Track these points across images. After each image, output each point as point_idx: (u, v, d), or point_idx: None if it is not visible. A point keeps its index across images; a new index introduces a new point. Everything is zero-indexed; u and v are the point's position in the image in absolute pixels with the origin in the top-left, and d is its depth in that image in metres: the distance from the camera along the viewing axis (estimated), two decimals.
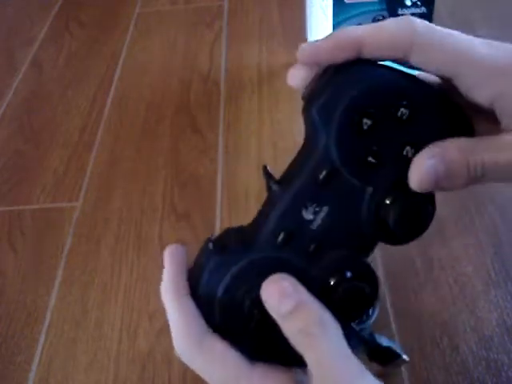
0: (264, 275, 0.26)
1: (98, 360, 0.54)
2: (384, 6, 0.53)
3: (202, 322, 0.27)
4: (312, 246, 0.26)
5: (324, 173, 0.26)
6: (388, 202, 0.25)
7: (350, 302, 0.26)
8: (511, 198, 0.62)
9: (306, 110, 0.27)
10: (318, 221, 0.26)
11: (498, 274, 0.55)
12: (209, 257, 0.28)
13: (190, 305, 0.27)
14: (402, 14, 0.55)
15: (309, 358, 0.24)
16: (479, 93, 0.24)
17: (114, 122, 0.82)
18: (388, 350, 0.44)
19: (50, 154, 0.78)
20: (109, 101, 0.86)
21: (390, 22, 0.25)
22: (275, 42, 0.92)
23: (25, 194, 0.73)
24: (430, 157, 0.24)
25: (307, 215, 0.26)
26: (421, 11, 0.55)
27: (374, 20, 0.55)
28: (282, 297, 0.24)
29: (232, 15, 1.01)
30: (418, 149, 0.25)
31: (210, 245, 0.28)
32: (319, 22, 0.64)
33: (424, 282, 0.55)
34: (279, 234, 0.26)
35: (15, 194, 0.73)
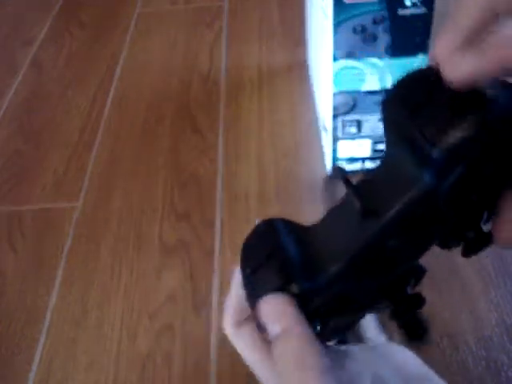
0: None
1: (97, 360, 0.54)
2: (384, 6, 0.53)
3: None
4: (390, 265, 0.26)
5: (424, 214, 0.24)
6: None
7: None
8: None
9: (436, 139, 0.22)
10: (397, 246, 0.25)
11: (498, 274, 0.55)
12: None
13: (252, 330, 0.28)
14: (402, 15, 0.54)
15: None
16: None
17: (114, 122, 0.82)
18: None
19: (50, 154, 0.78)
20: (109, 101, 0.86)
21: None
22: (275, 42, 0.92)
23: (25, 194, 0.73)
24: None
25: (390, 244, 0.25)
26: (421, 11, 0.54)
27: (374, 20, 0.55)
28: (273, 319, 0.25)
29: (232, 15, 1.01)
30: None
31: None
32: (319, 21, 0.64)
33: (424, 282, 0.55)
34: (363, 263, 0.25)
35: (15, 194, 0.73)
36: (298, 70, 0.85)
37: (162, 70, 0.90)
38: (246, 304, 0.28)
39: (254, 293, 0.27)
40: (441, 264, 0.57)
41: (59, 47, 1.00)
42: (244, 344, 0.28)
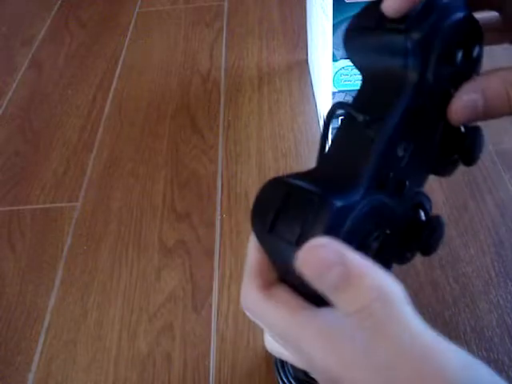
0: (376, 221, 0.25)
1: (97, 360, 0.54)
2: None
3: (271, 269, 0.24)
4: (402, 185, 0.26)
5: (419, 107, 0.25)
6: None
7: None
8: None
9: (401, 38, 0.26)
10: (406, 158, 0.26)
11: (498, 274, 0.55)
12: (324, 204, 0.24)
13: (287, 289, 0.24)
14: None
15: (375, 343, 0.20)
16: None
17: (113, 121, 0.82)
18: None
19: (50, 154, 0.78)
20: (109, 101, 0.86)
21: None
22: (275, 42, 0.92)
23: (25, 194, 0.73)
24: (468, 92, 0.25)
25: (400, 152, 0.26)
26: None
27: None
28: (325, 267, 0.21)
29: (232, 15, 1.01)
30: None
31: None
32: (319, 21, 0.64)
33: (424, 282, 0.55)
34: (380, 177, 0.25)
35: (15, 194, 0.73)
36: (298, 69, 0.85)
37: (162, 69, 0.90)
38: (269, 268, 0.24)
39: (282, 246, 0.23)
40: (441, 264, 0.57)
41: (59, 47, 1.00)
42: (282, 305, 0.23)
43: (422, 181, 0.28)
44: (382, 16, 0.25)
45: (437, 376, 0.19)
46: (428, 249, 0.27)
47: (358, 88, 0.28)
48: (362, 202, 0.24)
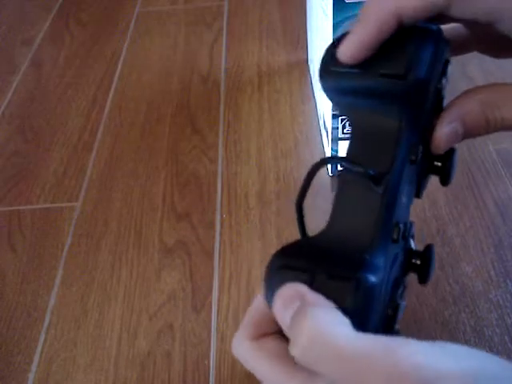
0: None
1: (97, 360, 0.54)
2: None
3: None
4: (407, 228, 0.25)
5: (420, 154, 0.25)
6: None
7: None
8: None
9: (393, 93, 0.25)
10: (406, 201, 0.25)
11: (498, 273, 0.55)
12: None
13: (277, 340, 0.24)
14: None
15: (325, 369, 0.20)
16: None
17: (113, 121, 0.82)
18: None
19: (50, 154, 0.78)
20: (109, 101, 0.86)
21: None
22: (275, 42, 0.92)
23: (25, 194, 0.73)
24: (450, 122, 0.26)
25: (404, 199, 0.25)
26: None
27: None
28: (287, 303, 0.22)
29: (232, 15, 1.01)
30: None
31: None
32: (319, 21, 0.64)
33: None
34: (394, 230, 0.24)
35: (15, 194, 0.73)
36: (298, 69, 0.85)
37: (162, 69, 0.90)
38: (268, 320, 0.24)
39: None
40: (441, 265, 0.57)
41: (59, 47, 1.00)
42: (267, 355, 0.23)
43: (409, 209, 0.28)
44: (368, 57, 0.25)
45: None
46: (425, 278, 0.26)
47: (350, 135, 0.26)
48: (387, 267, 0.23)
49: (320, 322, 0.20)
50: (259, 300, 0.25)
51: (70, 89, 0.90)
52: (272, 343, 0.24)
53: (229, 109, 0.81)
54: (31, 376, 0.54)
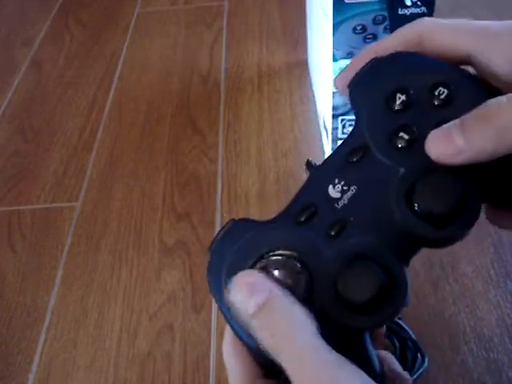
0: (278, 246, 0.23)
1: (97, 360, 0.54)
2: (384, 6, 0.53)
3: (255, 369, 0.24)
4: (334, 227, 0.23)
5: (352, 149, 0.24)
6: (419, 184, 0.22)
7: (362, 289, 0.21)
8: None
9: (349, 94, 0.26)
10: (345, 200, 0.24)
11: (498, 273, 0.55)
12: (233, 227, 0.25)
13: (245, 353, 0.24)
14: (403, 14, 0.54)
15: (284, 361, 0.21)
16: (503, 66, 0.23)
17: (113, 121, 0.82)
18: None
19: (50, 154, 0.78)
20: (109, 101, 0.86)
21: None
22: (275, 42, 0.92)
23: (25, 194, 0.73)
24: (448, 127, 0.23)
25: (334, 193, 0.24)
26: (421, 11, 0.54)
27: (375, 20, 0.55)
28: (251, 292, 0.21)
29: (232, 15, 1.01)
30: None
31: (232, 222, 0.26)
32: (319, 21, 0.64)
33: (424, 282, 0.55)
34: (302, 210, 0.24)
35: (15, 194, 0.73)
36: (298, 70, 0.85)
37: (162, 69, 0.90)
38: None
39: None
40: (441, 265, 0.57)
41: (59, 47, 1.00)
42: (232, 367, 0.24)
43: (391, 244, 0.25)
44: None
45: None
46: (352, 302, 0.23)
47: None
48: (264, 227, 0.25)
49: (291, 320, 0.21)
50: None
51: (70, 89, 0.90)
52: (240, 367, 0.24)
53: (229, 109, 0.81)
54: (31, 376, 0.54)
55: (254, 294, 0.21)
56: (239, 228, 0.25)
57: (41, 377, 0.54)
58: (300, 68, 0.85)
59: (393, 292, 0.22)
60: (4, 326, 0.58)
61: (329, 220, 0.23)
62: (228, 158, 0.73)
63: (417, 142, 0.23)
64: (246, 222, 0.25)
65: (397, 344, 0.47)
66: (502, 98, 0.21)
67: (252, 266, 0.23)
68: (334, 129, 0.63)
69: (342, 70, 0.27)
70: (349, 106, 0.62)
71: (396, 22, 0.55)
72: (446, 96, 0.24)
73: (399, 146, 0.23)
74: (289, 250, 0.23)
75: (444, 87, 0.24)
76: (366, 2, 0.54)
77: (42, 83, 0.92)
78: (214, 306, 0.57)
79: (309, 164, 0.25)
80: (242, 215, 0.65)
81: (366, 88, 0.25)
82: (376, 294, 0.21)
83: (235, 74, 0.87)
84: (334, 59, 0.58)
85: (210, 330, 0.55)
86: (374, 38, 0.56)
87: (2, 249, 0.66)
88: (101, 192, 0.71)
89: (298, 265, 0.22)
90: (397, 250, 0.23)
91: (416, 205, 0.22)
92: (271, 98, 0.81)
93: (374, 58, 0.26)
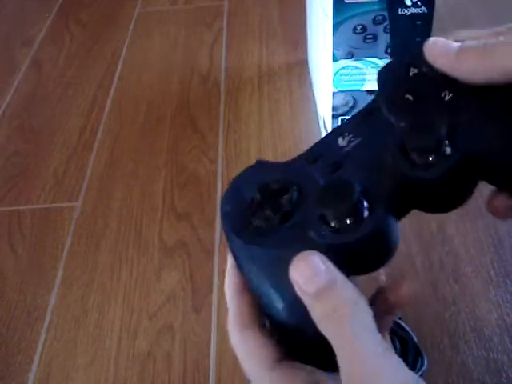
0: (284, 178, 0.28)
1: (97, 360, 0.54)
2: (384, 6, 0.53)
3: (270, 350, 0.25)
4: (332, 165, 0.27)
5: (366, 108, 0.28)
6: (415, 135, 0.24)
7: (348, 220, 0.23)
8: None
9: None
10: (349, 148, 0.27)
11: (498, 273, 0.55)
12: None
13: (256, 336, 0.26)
14: (403, 14, 0.54)
15: (336, 342, 0.22)
16: None
17: (113, 121, 0.82)
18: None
19: (50, 154, 0.78)
20: (109, 101, 0.86)
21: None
22: (275, 42, 0.92)
23: (25, 194, 0.73)
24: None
25: (342, 142, 0.28)
26: (421, 11, 0.54)
27: (375, 20, 0.55)
28: (313, 275, 0.22)
29: (232, 15, 1.01)
30: (455, 93, 0.25)
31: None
32: (319, 21, 0.64)
33: (424, 282, 0.55)
34: (312, 154, 0.29)
35: (15, 194, 0.73)
36: (298, 69, 0.85)
37: (162, 69, 0.90)
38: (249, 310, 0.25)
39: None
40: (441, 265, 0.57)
41: (59, 47, 1.00)
42: (248, 352, 0.25)
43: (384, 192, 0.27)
44: None
45: None
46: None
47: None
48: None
49: (355, 324, 0.22)
50: (235, 283, 0.26)
51: (70, 89, 0.90)
52: (252, 340, 0.25)
53: (229, 109, 0.81)
54: (31, 376, 0.54)
55: (318, 274, 0.22)
56: (257, 166, 0.29)
57: (41, 377, 0.54)
58: (300, 68, 0.85)
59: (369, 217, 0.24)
60: (4, 326, 0.58)
61: (330, 161, 0.27)
62: (228, 158, 0.73)
63: (419, 104, 0.26)
64: (267, 162, 0.30)
65: (397, 345, 0.47)
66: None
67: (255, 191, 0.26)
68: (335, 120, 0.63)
69: None
70: (349, 106, 0.62)
71: (396, 21, 0.55)
72: None
73: (404, 106, 0.26)
74: (289, 180, 0.27)
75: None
76: (366, 2, 0.54)
77: (42, 83, 0.92)
78: (214, 306, 0.57)
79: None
80: None
81: (389, 66, 0.28)
82: (351, 209, 0.23)
83: (235, 74, 0.87)
84: (334, 59, 0.58)
85: (210, 330, 0.55)
86: (374, 37, 0.56)
87: (2, 249, 0.66)
88: (101, 192, 0.71)
89: (294, 187, 0.27)
90: (384, 190, 0.25)
91: (406, 146, 0.24)
92: (271, 98, 0.81)
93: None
